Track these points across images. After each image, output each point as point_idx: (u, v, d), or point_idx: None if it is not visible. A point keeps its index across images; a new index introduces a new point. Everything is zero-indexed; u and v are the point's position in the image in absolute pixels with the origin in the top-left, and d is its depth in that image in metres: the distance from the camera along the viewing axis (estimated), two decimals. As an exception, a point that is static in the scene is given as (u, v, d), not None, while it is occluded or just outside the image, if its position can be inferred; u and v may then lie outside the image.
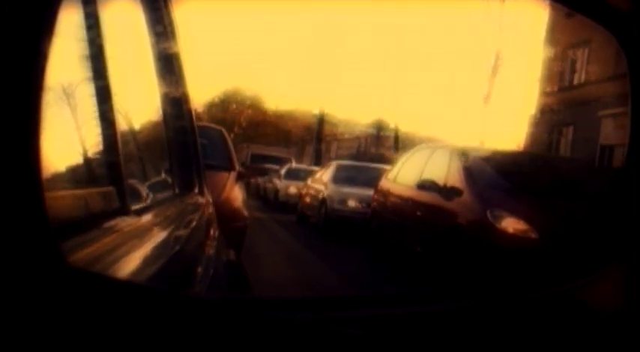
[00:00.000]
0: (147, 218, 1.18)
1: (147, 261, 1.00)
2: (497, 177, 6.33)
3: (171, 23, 1.59)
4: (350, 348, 0.81)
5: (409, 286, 5.35)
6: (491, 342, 1.03)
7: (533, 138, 15.19)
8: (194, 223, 1.51)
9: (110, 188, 1.04)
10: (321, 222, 9.70)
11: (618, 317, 1.05)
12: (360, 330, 0.88)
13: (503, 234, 5.31)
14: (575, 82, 15.05)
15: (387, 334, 0.93)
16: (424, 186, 6.82)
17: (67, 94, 0.89)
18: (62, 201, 0.79)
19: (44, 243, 0.62)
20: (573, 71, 15.12)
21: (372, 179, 8.85)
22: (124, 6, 1.33)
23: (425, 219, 6.65)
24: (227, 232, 2.10)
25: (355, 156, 20.04)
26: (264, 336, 0.76)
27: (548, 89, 15.43)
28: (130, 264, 0.91)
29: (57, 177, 0.79)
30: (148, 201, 1.29)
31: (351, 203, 9.28)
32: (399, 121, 25.23)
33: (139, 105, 1.42)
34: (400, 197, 7.50)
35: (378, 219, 7.85)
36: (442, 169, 6.66)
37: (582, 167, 9.64)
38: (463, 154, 6.72)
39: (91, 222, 0.87)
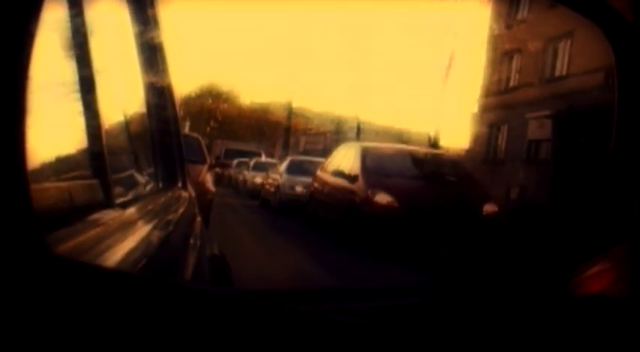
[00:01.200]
0: (131, 211, 1.18)
1: (131, 254, 0.99)
2: (380, 167, 9.24)
3: (155, 14, 1.56)
4: (339, 338, 0.80)
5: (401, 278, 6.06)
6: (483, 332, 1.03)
7: (476, 133, 17.29)
8: (178, 217, 1.50)
9: (94, 181, 1.02)
10: (276, 204, 12.03)
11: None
12: (348, 319, 0.87)
13: (377, 204, 8.37)
14: (511, 85, 17.20)
15: (376, 324, 0.92)
16: (339, 174, 9.64)
17: (52, 87, 0.88)
18: (46, 193, 0.79)
19: (29, 235, 0.61)
20: (508, 77, 17.10)
21: (315, 170, 11.21)
22: None
23: (338, 198, 9.30)
24: (200, 204, 2.61)
25: (322, 151, 21.05)
26: (253, 326, 0.76)
27: (488, 91, 17.53)
28: (114, 256, 0.90)
29: (41, 170, 0.78)
30: (133, 194, 1.27)
31: (298, 188, 11.59)
32: (361, 114, 26.10)
33: (123, 98, 1.41)
34: (326, 182, 10.14)
35: (313, 199, 10.44)
36: (350, 162, 9.61)
37: (447, 160, 12.33)
38: (362, 151, 9.71)
39: (75, 214, 0.86)
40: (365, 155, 9.53)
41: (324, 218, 9.70)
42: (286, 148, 27.46)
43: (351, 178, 9.21)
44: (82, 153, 1.02)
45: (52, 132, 0.90)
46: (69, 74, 0.95)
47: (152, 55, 1.58)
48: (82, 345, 0.65)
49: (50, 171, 0.86)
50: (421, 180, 9.34)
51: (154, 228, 1.25)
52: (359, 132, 23.58)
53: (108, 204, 1.04)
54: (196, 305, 0.75)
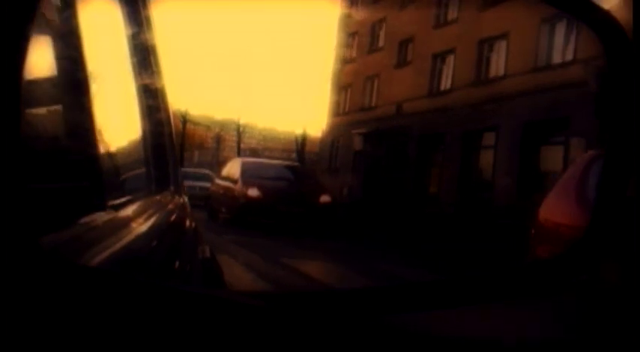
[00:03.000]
0: (124, 213, 1.16)
1: (124, 256, 0.97)
2: (252, 173, 13.68)
3: (148, 15, 1.53)
4: (331, 338, 0.78)
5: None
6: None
7: (324, 143, 23.04)
8: (170, 219, 1.47)
9: (87, 183, 1.00)
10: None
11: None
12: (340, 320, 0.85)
13: (249, 196, 12.70)
14: (346, 110, 23.38)
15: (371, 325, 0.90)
16: (227, 179, 14.12)
17: (45, 89, 0.86)
18: (39, 195, 0.76)
19: (22, 237, 0.61)
20: (344, 102, 23.33)
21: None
22: None
23: (226, 195, 13.46)
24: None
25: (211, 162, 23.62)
26: (246, 328, 0.76)
27: (333, 112, 23.70)
28: (106, 258, 0.87)
29: (33, 172, 0.76)
30: (125, 197, 1.24)
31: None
32: (244, 119, 28.44)
33: (116, 100, 1.39)
34: (219, 185, 14.37)
35: (211, 198, 14.04)
36: (234, 170, 14.24)
37: (297, 168, 18.37)
38: (242, 163, 14.74)
39: (67, 216, 0.84)
40: (243, 165, 14.56)
41: (218, 209, 13.61)
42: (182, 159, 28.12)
43: (234, 181, 13.62)
44: (74, 155, 0.99)
45: (45, 133, 0.88)
46: (62, 76, 0.93)
47: (145, 57, 1.55)
48: (75, 346, 0.65)
49: (42, 172, 0.84)
50: (279, 181, 13.92)
51: (147, 230, 1.23)
52: (239, 137, 27.02)
53: (100, 206, 1.03)
54: (189, 307, 0.74)
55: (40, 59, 0.80)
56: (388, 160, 19.39)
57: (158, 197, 1.54)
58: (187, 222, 1.71)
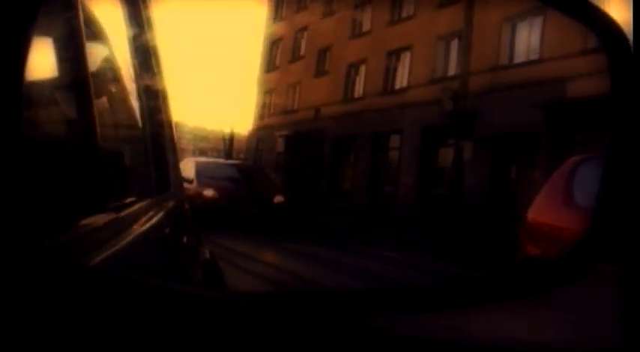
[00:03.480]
0: (124, 214, 1.10)
1: (124, 258, 0.91)
2: (207, 173, 12.65)
3: (149, 17, 1.42)
4: (332, 339, 0.73)
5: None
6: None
7: (249, 144, 22.55)
8: (171, 221, 1.37)
9: (88, 184, 0.93)
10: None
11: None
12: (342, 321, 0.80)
13: (206, 196, 11.59)
14: (271, 112, 23.15)
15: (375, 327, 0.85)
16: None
17: (46, 90, 0.80)
18: (40, 196, 0.70)
19: (24, 238, 0.57)
20: (269, 104, 23.02)
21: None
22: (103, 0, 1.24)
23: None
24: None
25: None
26: (247, 329, 0.70)
27: (258, 115, 23.46)
28: (107, 259, 0.81)
29: (35, 173, 0.70)
30: (126, 198, 1.16)
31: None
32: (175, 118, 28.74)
33: (117, 101, 1.33)
34: None
35: None
36: (189, 170, 12.41)
37: (252, 167, 18.25)
38: (196, 163, 13.20)
39: (68, 217, 0.79)
40: (198, 165, 13.62)
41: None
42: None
43: (190, 181, 12.60)
44: (75, 156, 0.92)
45: (46, 135, 0.82)
46: (63, 77, 0.87)
47: (147, 58, 1.44)
48: (77, 347, 0.61)
49: (44, 174, 0.77)
50: (234, 181, 13.25)
51: (148, 231, 1.17)
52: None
53: (101, 207, 0.96)
54: (189, 308, 0.69)
55: (42, 60, 0.76)
56: (307, 160, 19.66)
57: (159, 198, 1.44)
58: (188, 224, 1.60)
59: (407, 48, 19.85)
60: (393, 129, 19.79)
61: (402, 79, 20.40)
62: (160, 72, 1.58)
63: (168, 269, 1.14)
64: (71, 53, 0.87)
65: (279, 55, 23.46)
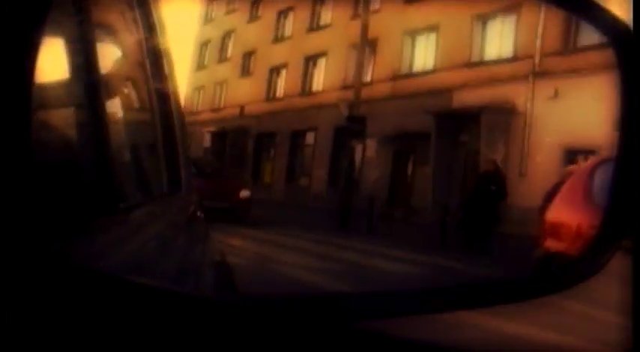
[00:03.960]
0: (135, 216, 0.99)
1: (135, 260, 0.81)
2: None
3: (162, 19, 1.31)
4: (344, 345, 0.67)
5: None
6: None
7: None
8: (182, 222, 1.25)
9: (98, 186, 0.84)
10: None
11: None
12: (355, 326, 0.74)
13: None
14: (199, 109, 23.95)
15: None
16: None
17: (57, 91, 0.73)
18: (50, 198, 0.63)
19: (33, 240, 0.50)
20: (198, 101, 23.62)
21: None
22: (115, 2, 1.12)
23: None
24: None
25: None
26: (259, 335, 0.62)
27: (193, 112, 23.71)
28: (117, 262, 0.73)
29: (45, 174, 0.62)
30: (137, 200, 1.08)
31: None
32: None
33: (129, 102, 1.22)
34: None
35: None
36: None
37: (217, 164, 17.92)
38: None
39: (79, 219, 0.71)
40: None
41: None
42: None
43: None
44: (86, 157, 0.84)
45: (57, 136, 0.74)
46: (74, 79, 0.79)
47: (158, 59, 1.32)
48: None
49: (54, 175, 0.69)
50: (202, 176, 12.34)
51: (158, 233, 1.08)
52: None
53: (111, 209, 0.86)
54: (200, 313, 0.62)
55: (53, 62, 0.69)
56: (232, 155, 19.58)
57: (170, 199, 1.32)
58: (199, 224, 1.47)
59: (323, 54, 20.39)
60: (309, 127, 20.41)
61: (318, 82, 21.00)
62: (171, 73, 1.46)
63: (179, 272, 1.04)
64: (82, 55, 0.80)
65: (208, 55, 23.54)
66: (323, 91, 20.29)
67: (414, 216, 14.92)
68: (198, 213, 1.54)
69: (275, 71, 22.27)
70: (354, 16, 19.32)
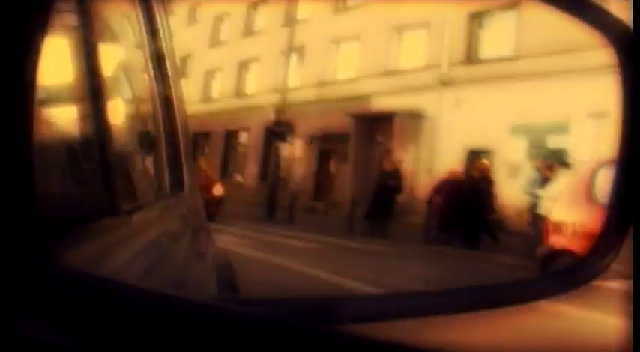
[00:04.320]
0: (137, 218, 0.91)
1: (137, 262, 0.76)
2: None
3: (165, 22, 1.19)
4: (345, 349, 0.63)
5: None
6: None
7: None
8: (185, 224, 1.16)
9: (101, 187, 0.78)
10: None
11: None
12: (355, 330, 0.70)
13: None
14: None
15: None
16: None
17: (59, 93, 0.67)
18: (51, 200, 0.58)
19: (34, 242, 0.46)
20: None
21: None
22: (118, 4, 1.02)
23: None
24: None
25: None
26: (259, 338, 0.58)
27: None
28: (118, 265, 0.68)
29: (46, 176, 0.58)
30: (139, 201, 1.00)
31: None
32: None
33: (131, 104, 1.10)
34: None
35: None
36: None
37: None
38: None
39: (80, 221, 0.65)
40: None
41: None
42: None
43: None
44: (88, 158, 0.77)
45: (59, 137, 0.67)
46: (77, 80, 0.73)
47: (161, 61, 1.22)
48: None
49: (56, 176, 0.64)
50: None
51: (161, 235, 1.01)
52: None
53: (114, 210, 0.79)
54: (202, 318, 0.58)
55: (55, 63, 0.62)
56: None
57: (172, 201, 1.23)
58: (202, 225, 1.35)
59: (255, 59, 20.25)
60: (242, 127, 20.21)
61: (250, 85, 20.86)
62: (174, 74, 1.35)
63: (182, 274, 0.97)
64: (85, 56, 0.74)
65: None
66: (255, 94, 20.17)
67: (334, 209, 15.28)
68: (202, 214, 1.44)
69: (210, 74, 21.81)
70: (284, 24, 19.34)
